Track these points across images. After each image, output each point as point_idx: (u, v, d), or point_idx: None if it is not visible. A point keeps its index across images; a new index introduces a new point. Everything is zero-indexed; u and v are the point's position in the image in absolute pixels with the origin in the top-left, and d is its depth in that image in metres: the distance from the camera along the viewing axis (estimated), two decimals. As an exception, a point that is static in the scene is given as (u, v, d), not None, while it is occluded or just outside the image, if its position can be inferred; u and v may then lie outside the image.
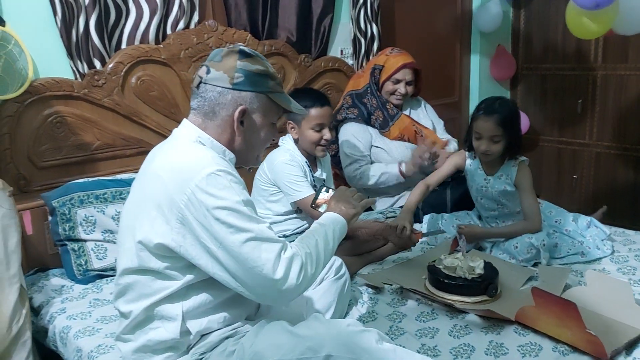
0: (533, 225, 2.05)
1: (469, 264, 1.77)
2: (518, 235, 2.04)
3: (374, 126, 2.73)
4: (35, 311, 1.87)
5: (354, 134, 2.67)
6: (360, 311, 1.74)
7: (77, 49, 2.15)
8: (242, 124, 1.36)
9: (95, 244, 2.02)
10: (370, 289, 1.88)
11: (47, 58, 2.12)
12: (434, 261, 1.85)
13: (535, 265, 2.01)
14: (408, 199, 2.21)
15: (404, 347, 1.34)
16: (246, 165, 1.47)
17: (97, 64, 2.21)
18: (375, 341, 1.22)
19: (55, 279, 2.01)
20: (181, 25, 2.42)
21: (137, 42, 2.31)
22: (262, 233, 1.22)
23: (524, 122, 3.74)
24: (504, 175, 2.12)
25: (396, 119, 2.73)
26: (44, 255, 2.09)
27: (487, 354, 1.48)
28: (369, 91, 2.75)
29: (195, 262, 1.23)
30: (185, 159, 1.27)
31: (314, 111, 2.10)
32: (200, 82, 1.34)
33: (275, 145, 2.24)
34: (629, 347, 1.47)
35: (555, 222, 2.19)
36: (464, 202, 2.42)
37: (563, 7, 2.82)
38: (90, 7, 2.12)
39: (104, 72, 2.21)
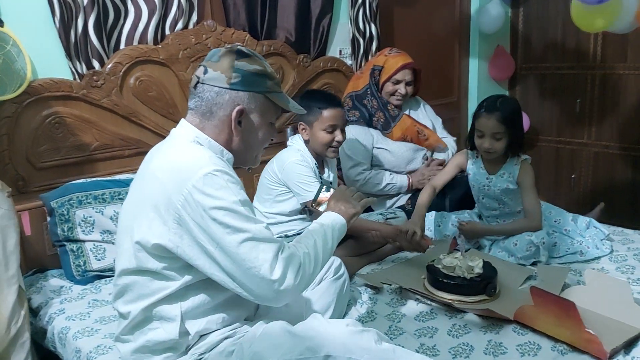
0: (534, 223, 2.06)
1: (468, 264, 1.77)
2: (519, 233, 2.05)
3: (375, 128, 2.72)
4: (34, 312, 1.87)
5: (355, 136, 2.67)
6: (360, 311, 1.74)
7: (75, 49, 2.14)
8: (239, 124, 1.35)
9: (94, 245, 2.02)
10: (369, 289, 1.88)
11: (45, 58, 2.12)
12: (433, 261, 1.85)
13: (534, 264, 2.02)
14: (417, 202, 2.20)
15: (403, 346, 1.34)
16: (244, 165, 1.46)
17: (96, 64, 2.20)
18: (374, 341, 1.22)
19: (54, 280, 2.01)
20: (180, 25, 2.41)
21: (135, 42, 2.31)
22: (260, 233, 1.21)
23: (526, 121, 3.73)
24: (507, 173, 2.13)
25: (398, 119, 2.73)
26: (43, 255, 2.10)
27: (486, 354, 1.48)
28: (369, 92, 2.74)
29: (192, 263, 1.23)
30: (183, 159, 1.27)
31: (326, 112, 2.08)
32: (198, 82, 1.34)
33: (279, 145, 2.22)
34: (628, 346, 1.47)
35: (555, 222, 2.20)
36: (462, 203, 2.43)
37: (562, 6, 2.82)
38: (89, 8, 2.11)
39: (102, 73, 2.20)
